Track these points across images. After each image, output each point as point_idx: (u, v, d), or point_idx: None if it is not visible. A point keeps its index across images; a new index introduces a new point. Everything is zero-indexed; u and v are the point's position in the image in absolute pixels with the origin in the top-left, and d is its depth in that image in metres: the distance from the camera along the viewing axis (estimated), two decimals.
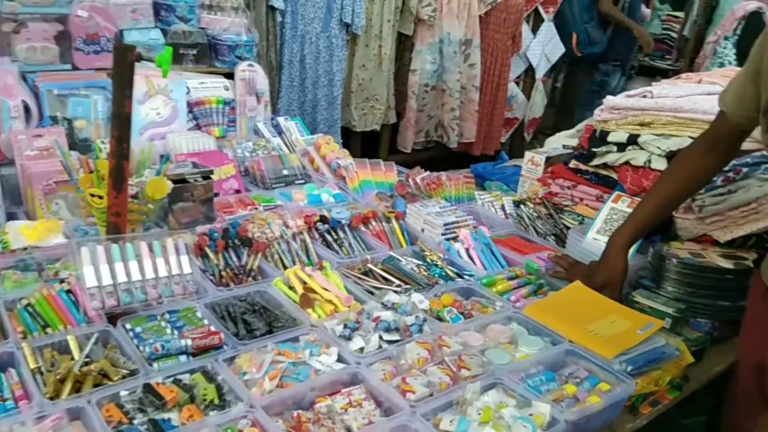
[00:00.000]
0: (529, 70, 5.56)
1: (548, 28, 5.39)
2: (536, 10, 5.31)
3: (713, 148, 1.58)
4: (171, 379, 1.23)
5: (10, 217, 1.86)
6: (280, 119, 2.67)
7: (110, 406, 1.14)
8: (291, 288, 1.61)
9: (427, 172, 2.43)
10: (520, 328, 1.51)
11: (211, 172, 1.95)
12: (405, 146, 4.76)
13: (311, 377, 1.27)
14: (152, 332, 1.36)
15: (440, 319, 1.54)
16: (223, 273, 1.67)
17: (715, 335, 1.63)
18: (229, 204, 2.06)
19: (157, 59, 1.34)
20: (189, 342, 1.31)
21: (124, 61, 1.37)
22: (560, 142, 2.99)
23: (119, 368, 1.25)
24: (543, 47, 5.43)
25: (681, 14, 7.85)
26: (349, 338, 1.38)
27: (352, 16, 3.85)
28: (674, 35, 7.80)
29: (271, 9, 3.58)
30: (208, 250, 1.71)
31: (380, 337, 1.40)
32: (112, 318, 1.41)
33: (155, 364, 1.27)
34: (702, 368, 1.56)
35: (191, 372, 1.26)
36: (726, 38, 6.25)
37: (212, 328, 1.38)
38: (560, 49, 5.51)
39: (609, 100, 2.08)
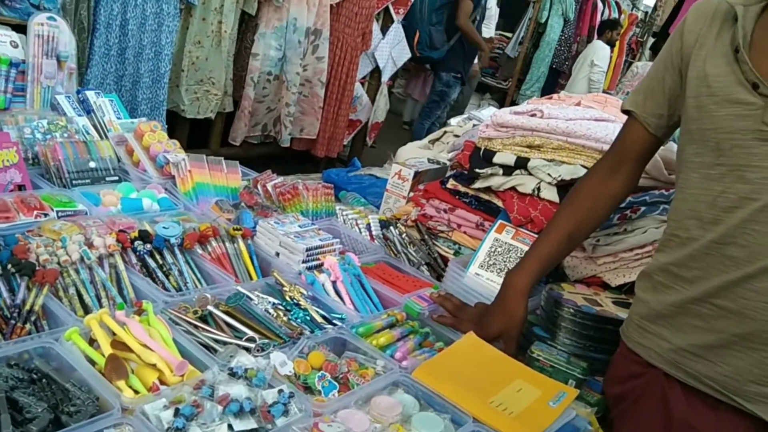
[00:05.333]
0: (375, 72, 5.34)
1: (397, 29, 5.21)
2: (387, 10, 5.10)
3: (616, 168, 1.39)
4: None
5: None
6: (89, 93, 2.07)
7: None
8: (93, 343, 1.11)
9: (280, 178, 2.02)
10: (411, 399, 1.18)
11: None
12: (235, 139, 4.25)
13: None
14: None
15: (309, 390, 1.15)
16: None
17: None
18: (5, 206, 1.47)
19: None
20: None
21: None
22: (412, 153, 2.77)
23: None
24: (391, 49, 5.24)
25: (510, 35, 8.23)
26: None
27: None
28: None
29: None
30: None
31: (230, 427, 0.97)
32: None
33: None
34: None
35: None
36: None
37: None
38: (407, 54, 5.37)
39: (497, 115, 1.84)
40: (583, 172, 1.71)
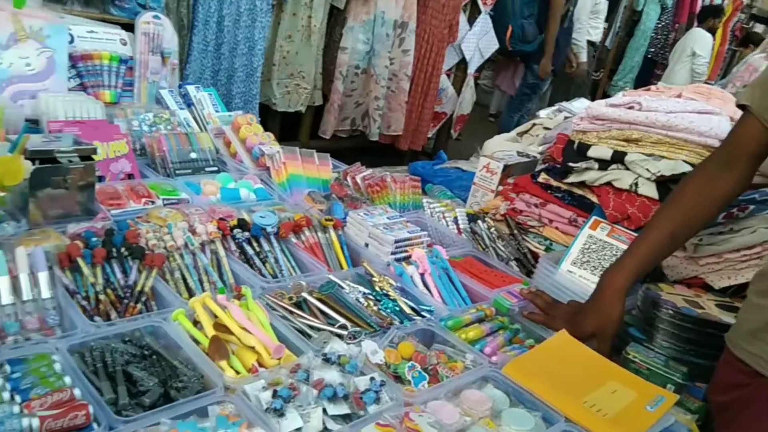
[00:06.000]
0: (461, 64, 5.29)
1: (485, 20, 5.13)
2: (474, 1, 5.03)
3: (727, 167, 1.30)
4: None
5: None
6: (190, 88, 2.18)
7: None
8: (196, 324, 1.17)
9: (369, 171, 2.04)
10: (501, 394, 1.17)
11: (94, 150, 1.46)
12: (325, 132, 4.33)
13: None
14: None
15: (400, 379, 1.16)
16: (101, 297, 1.20)
17: None
18: (117, 193, 1.57)
19: None
20: (35, 422, 0.85)
21: None
22: (500, 146, 2.72)
23: None
24: (478, 40, 5.17)
25: (605, 25, 7.90)
26: (281, 414, 0.97)
27: None
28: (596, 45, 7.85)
29: None
30: (81, 261, 1.23)
31: (324, 411, 1.00)
32: None
33: None
34: None
35: None
36: None
37: (76, 393, 0.92)
38: (494, 45, 5.27)
39: (592, 108, 1.78)
40: (685, 167, 1.63)
